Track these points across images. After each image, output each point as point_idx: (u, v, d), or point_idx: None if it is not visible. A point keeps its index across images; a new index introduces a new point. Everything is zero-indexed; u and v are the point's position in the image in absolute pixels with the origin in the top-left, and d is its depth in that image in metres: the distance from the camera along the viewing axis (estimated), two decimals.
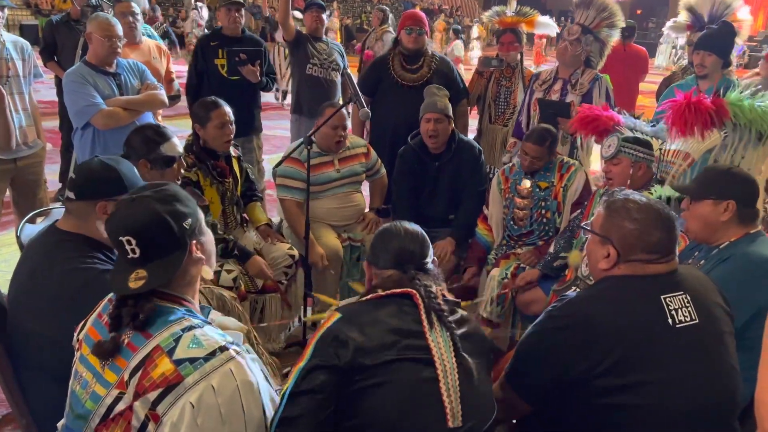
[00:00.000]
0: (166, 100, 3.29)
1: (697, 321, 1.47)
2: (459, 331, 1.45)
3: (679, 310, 1.46)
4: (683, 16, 4.28)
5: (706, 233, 1.99)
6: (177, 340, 1.22)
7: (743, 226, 1.94)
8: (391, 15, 7.87)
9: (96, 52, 3.03)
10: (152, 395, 1.18)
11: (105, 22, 3.02)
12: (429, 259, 1.59)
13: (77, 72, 3.01)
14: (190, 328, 1.25)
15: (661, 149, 2.64)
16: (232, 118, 2.81)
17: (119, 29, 3.08)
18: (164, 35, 11.34)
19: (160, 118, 3.98)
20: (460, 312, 1.53)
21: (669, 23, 4.73)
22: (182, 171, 2.40)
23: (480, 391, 1.44)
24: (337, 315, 1.44)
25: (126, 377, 1.21)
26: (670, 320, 1.44)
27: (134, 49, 3.76)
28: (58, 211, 2.33)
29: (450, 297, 1.54)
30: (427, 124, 3.11)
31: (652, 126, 2.74)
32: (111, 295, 1.36)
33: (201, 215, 1.40)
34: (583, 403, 1.47)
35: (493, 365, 1.57)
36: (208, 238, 1.42)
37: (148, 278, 1.26)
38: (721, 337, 1.51)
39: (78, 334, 1.37)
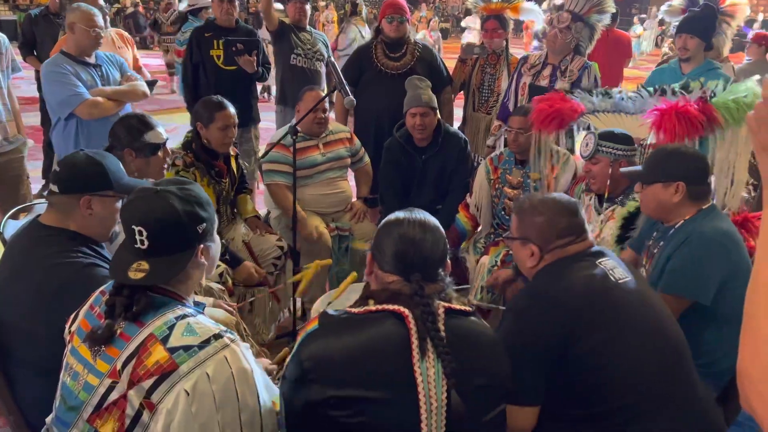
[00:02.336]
0: (147, 91, 3.28)
1: (629, 277, 1.58)
2: (466, 365, 1.24)
3: (614, 269, 1.58)
4: (678, 0, 4.27)
5: (661, 214, 2.04)
6: (171, 328, 1.21)
7: (695, 204, 1.98)
8: (365, 8, 7.66)
9: (79, 43, 3.00)
10: (147, 383, 1.17)
11: (89, 12, 2.99)
12: (443, 265, 1.36)
13: (56, 62, 2.98)
14: (184, 316, 1.25)
15: (642, 144, 2.61)
16: (236, 120, 2.79)
17: (101, 19, 3.05)
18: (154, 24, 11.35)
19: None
20: (484, 334, 1.33)
21: (664, 7, 4.71)
22: (167, 159, 2.37)
23: None
24: (314, 324, 1.30)
25: (119, 366, 1.20)
26: (612, 278, 1.55)
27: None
28: (41, 206, 2.29)
29: (464, 308, 1.34)
30: (413, 119, 3.10)
31: (610, 98, 2.64)
32: (104, 287, 1.36)
33: (216, 222, 1.40)
34: (564, 379, 1.49)
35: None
36: (216, 246, 1.42)
37: (149, 272, 1.26)
38: (652, 290, 1.65)
39: (69, 327, 1.36)
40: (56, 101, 3.00)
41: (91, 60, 3.06)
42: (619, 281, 1.55)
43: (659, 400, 1.47)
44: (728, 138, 2.33)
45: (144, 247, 1.27)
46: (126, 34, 4.12)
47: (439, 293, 1.32)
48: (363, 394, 1.20)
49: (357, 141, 3.36)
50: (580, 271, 1.56)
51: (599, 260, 1.59)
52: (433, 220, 1.40)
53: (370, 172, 3.45)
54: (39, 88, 4.50)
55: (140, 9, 15.70)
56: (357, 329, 1.27)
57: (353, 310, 1.32)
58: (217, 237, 1.42)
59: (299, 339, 1.32)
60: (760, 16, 18.20)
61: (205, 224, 1.33)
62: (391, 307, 1.28)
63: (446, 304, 1.30)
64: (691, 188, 1.96)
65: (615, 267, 1.59)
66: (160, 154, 2.30)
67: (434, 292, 1.31)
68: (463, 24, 15.67)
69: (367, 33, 6.13)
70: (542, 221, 1.64)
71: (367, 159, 3.42)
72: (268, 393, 1.33)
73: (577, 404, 1.51)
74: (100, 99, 3.00)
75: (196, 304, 1.43)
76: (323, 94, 3.07)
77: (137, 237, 1.27)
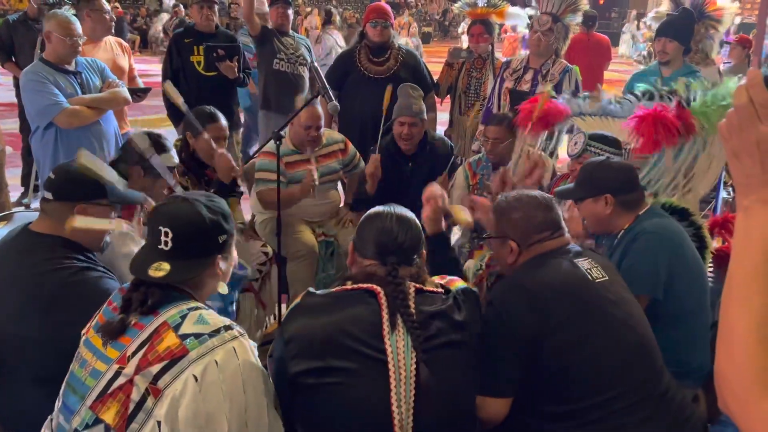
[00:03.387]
0: (128, 97, 3.23)
1: (607, 278, 1.61)
2: (441, 338, 1.36)
3: (591, 269, 1.61)
4: (665, 6, 4.32)
5: (601, 227, 2.09)
6: (183, 317, 1.27)
7: (631, 212, 2.02)
8: (338, 17, 7.69)
9: (56, 51, 2.96)
10: (155, 368, 1.21)
11: (65, 20, 2.95)
12: (418, 252, 1.49)
13: (35, 70, 2.94)
14: (197, 308, 1.31)
15: (625, 149, 2.63)
16: (227, 133, 2.77)
17: (79, 27, 3.00)
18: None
19: (127, 119, 3.91)
20: (457, 317, 1.41)
21: (651, 14, 4.79)
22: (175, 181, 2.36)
23: (447, 405, 1.36)
24: (299, 299, 1.44)
25: (129, 353, 1.25)
26: (589, 276, 1.58)
27: (97, 45, 3.67)
28: (21, 215, 2.27)
29: (437, 290, 1.45)
30: (401, 128, 3.10)
31: (597, 101, 2.63)
32: (124, 285, 1.41)
33: (235, 237, 1.48)
34: (538, 374, 1.51)
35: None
36: (232, 260, 1.48)
37: (169, 272, 1.31)
38: (628, 291, 1.66)
39: (90, 323, 1.39)
40: (35, 110, 2.96)
41: (71, 67, 3.02)
42: (596, 280, 1.58)
43: (632, 397, 1.48)
44: (709, 142, 2.36)
45: (167, 248, 1.33)
46: (124, 42, 4.08)
47: (412, 276, 1.44)
48: (339, 365, 1.31)
49: (351, 149, 3.30)
50: (558, 267, 1.59)
51: (577, 259, 1.62)
52: (410, 214, 1.54)
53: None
54: (18, 95, 4.44)
55: (119, 12, 15.55)
56: (334, 307, 1.39)
57: (332, 289, 1.45)
58: (234, 251, 1.50)
59: (286, 313, 1.45)
60: (738, 19, 18.49)
61: (226, 236, 1.41)
62: (365, 285, 1.40)
63: (417, 285, 1.42)
64: (619, 198, 2.00)
65: (593, 266, 1.61)
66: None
67: (408, 274, 1.43)
68: (460, 30, 15.83)
69: (342, 41, 6.15)
70: (519, 217, 1.68)
71: (362, 165, 3.36)
72: (273, 399, 1.36)
73: (550, 400, 1.52)
74: (79, 108, 2.95)
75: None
76: (319, 111, 3.02)
77: (162, 238, 1.33)
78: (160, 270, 1.31)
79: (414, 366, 1.33)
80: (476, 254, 3.01)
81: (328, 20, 7.23)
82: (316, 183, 2.88)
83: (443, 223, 2.00)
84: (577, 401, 1.49)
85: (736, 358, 0.74)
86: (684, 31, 3.31)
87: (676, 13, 4.06)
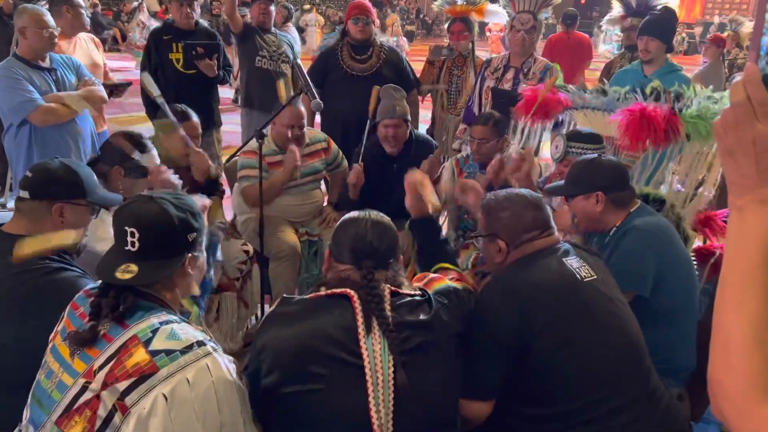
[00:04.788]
0: (105, 95, 3.17)
1: (596, 276, 1.60)
2: (414, 340, 1.35)
3: (580, 268, 1.59)
4: (616, 9, 4.41)
5: (591, 225, 2.09)
6: (154, 332, 1.21)
7: (622, 210, 2.03)
8: (296, 13, 7.76)
9: (32, 46, 2.89)
10: (122, 385, 1.15)
11: (36, 13, 2.88)
12: (394, 257, 1.48)
13: (8, 66, 2.86)
14: (168, 322, 1.25)
15: (614, 144, 2.62)
16: (200, 131, 2.72)
17: (51, 18, 2.94)
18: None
19: (105, 118, 3.84)
20: (425, 317, 1.41)
21: (605, 18, 4.90)
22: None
23: (426, 407, 1.35)
24: (273, 307, 1.42)
25: (96, 366, 1.19)
26: (578, 276, 1.57)
27: (72, 42, 3.60)
28: None
29: (414, 293, 1.44)
30: (385, 130, 3.08)
31: (605, 95, 2.63)
32: (87, 287, 1.36)
33: (205, 235, 1.44)
34: (525, 376, 1.50)
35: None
36: (203, 259, 1.44)
37: (136, 274, 1.26)
38: (617, 290, 1.66)
39: (57, 327, 1.34)
40: (8, 108, 2.89)
41: (45, 64, 2.95)
42: (585, 279, 1.57)
43: (620, 398, 1.48)
44: (695, 149, 2.36)
45: (134, 249, 1.28)
46: (95, 38, 4.01)
47: (388, 279, 1.43)
48: (314, 372, 1.29)
49: (334, 147, 3.28)
50: (547, 267, 1.58)
51: (566, 258, 1.60)
52: (386, 219, 1.52)
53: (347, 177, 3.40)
54: None
55: (98, 9, 15.35)
56: (307, 315, 1.36)
57: (306, 296, 1.43)
58: (204, 251, 1.45)
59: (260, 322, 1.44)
60: (716, 19, 18.76)
61: (195, 234, 1.36)
62: (339, 290, 1.38)
63: (393, 288, 1.40)
64: (611, 196, 2.01)
65: (582, 265, 1.60)
66: (149, 177, 2.25)
67: (384, 278, 1.42)
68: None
69: (299, 39, 6.23)
70: (508, 215, 1.67)
71: (345, 164, 3.35)
72: (250, 416, 1.31)
73: (538, 401, 1.51)
74: (54, 105, 2.89)
75: (182, 314, 1.42)
76: (302, 110, 3.00)
77: (128, 239, 1.28)
78: (127, 272, 1.25)
79: (391, 370, 1.31)
80: (463, 254, 3.00)
81: (288, 17, 7.31)
82: (299, 163, 2.84)
83: (428, 207, 1.97)
84: (564, 403, 1.48)
85: (732, 364, 0.72)
86: (666, 29, 3.32)
87: (628, 13, 4.16)
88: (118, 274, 1.25)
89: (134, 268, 1.26)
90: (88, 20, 3.72)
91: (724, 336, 0.73)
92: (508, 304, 1.51)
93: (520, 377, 1.50)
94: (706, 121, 2.25)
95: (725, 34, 7.16)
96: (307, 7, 15.58)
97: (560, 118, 2.84)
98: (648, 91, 2.41)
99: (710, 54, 6.22)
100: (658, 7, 4.03)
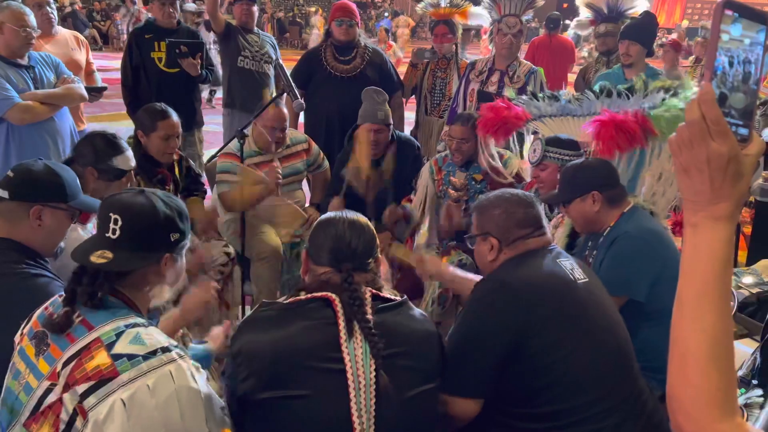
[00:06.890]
0: (84, 94, 3.12)
1: (588, 279, 1.61)
2: (392, 347, 1.33)
3: (573, 269, 1.60)
4: (584, 13, 4.45)
5: (589, 226, 2.12)
6: (119, 335, 1.18)
7: (616, 208, 2.06)
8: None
9: (8, 44, 2.84)
10: (81, 388, 1.13)
11: (18, 11, 2.84)
12: (372, 258, 1.46)
13: None
14: (135, 325, 1.22)
15: (587, 151, 2.62)
16: (180, 130, 2.68)
17: (33, 19, 2.89)
18: None
19: (85, 117, 3.78)
20: (412, 319, 1.40)
21: (573, 22, 4.93)
22: (129, 186, 2.27)
23: (409, 412, 1.34)
24: (251, 312, 1.40)
25: (59, 368, 1.16)
26: (571, 276, 1.57)
27: (50, 40, 3.54)
28: None
29: (394, 297, 1.43)
30: (367, 134, 3.06)
31: (557, 101, 2.62)
32: (61, 292, 1.33)
33: (188, 241, 1.41)
34: (515, 376, 1.49)
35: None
36: (182, 264, 1.41)
37: (111, 260, 1.25)
38: (606, 293, 1.66)
39: (22, 329, 1.31)
40: None
41: (23, 61, 2.90)
42: (578, 281, 1.57)
43: (609, 400, 1.48)
44: (665, 149, 2.38)
45: (114, 237, 1.27)
46: (81, 36, 3.94)
47: (368, 282, 1.41)
48: (293, 378, 1.28)
49: (315, 148, 3.27)
50: (541, 266, 1.58)
51: (559, 259, 1.61)
52: (363, 218, 1.51)
53: (328, 178, 3.38)
54: None
55: (78, 7, 15.17)
56: (285, 320, 1.34)
57: (285, 300, 1.40)
58: (184, 257, 1.42)
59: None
60: (685, 23, 19.00)
61: (178, 234, 1.34)
62: (319, 294, 1.36)
63: (373, 291, 1.39)
64: (606, 194, 2.04)
65: (574, 267, 1.61)
66: (123, 179, 2.21)
67: (363, 280, 1.40)
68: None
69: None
70: (499, 213, 1.66)
71: (326, 164, 3.34)
72: (219, 426, 1.27)
73: (528, 401, 1.51)
74: (32, 103, 2.84)
75: (151, 317, 1.39)
76: (284, 112, 2.98)
77: (111, 225, 1.28)
78: (102, 257, 1.24)
79: (373, 373, 1.30)
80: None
81: None
82: (281, 180, 2.82)
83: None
84: (555, 403, 1.47)
85: (690, 379, 0.72)
86: (647, 33, 3.36)
87: (598, 19, 4.21)
88: (93, 258, 1.24)
89: (109, 254, 1.25)
90: (54, 18, 3.63)
91: (681, 351, 0.73)
92: (505, 301, 1.51)
93: (509, 377, 1.50)
94: (672, 118, 2.26)
95: (695, 40, 7.07)
96: (312, 9, 15.65)
97: (527, 129, 2.83)
98: (598, 90, 2.42)
99: (668, 59, 5.99)
100: (628, 12, 4.09)
